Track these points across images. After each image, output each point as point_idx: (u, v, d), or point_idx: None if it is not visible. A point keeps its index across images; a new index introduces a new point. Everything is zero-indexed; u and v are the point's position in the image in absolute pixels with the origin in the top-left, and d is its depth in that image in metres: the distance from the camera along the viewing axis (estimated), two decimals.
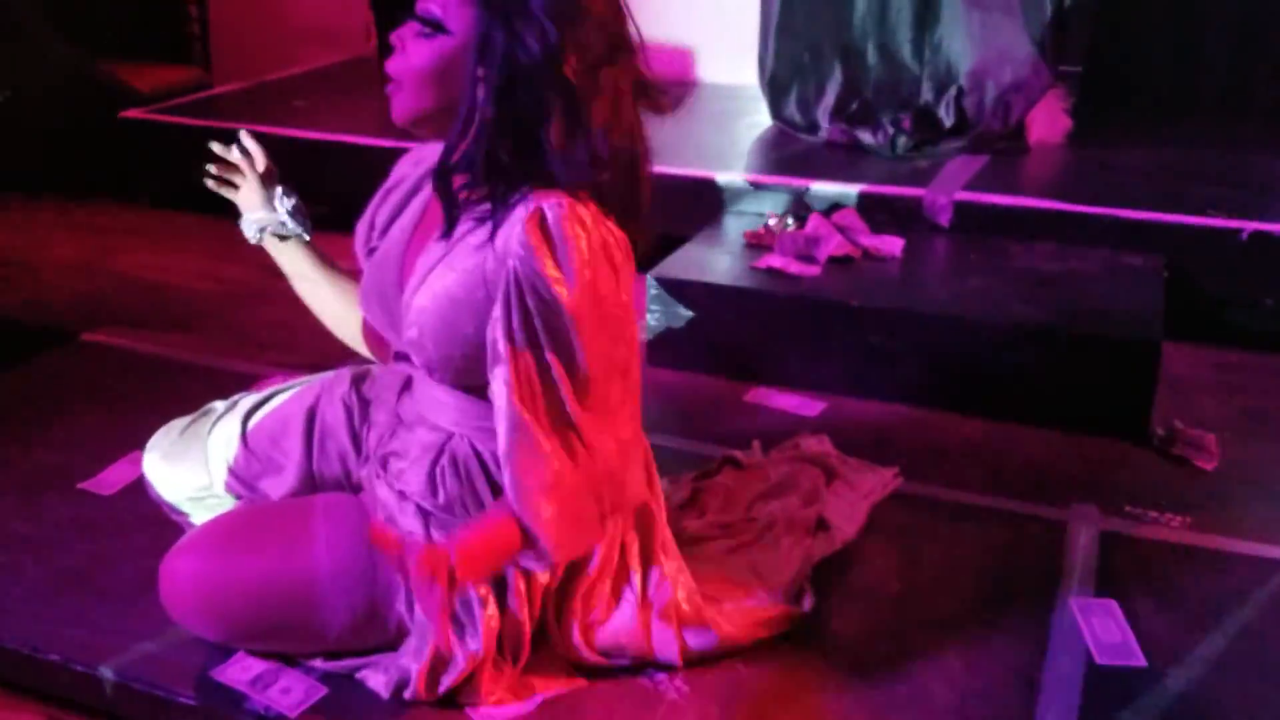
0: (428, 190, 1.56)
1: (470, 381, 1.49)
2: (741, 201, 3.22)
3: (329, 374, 1.79)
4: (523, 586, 1.55)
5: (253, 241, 1.79)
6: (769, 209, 3.07)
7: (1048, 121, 3.55)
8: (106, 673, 1.63)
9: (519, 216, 1.38)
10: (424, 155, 1.63)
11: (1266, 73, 3.74)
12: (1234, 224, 2.81)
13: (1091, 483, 2.21)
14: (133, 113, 3.96)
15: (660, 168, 3.28)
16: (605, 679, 1.63)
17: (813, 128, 3.69)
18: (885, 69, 3.71)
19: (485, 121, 1.38)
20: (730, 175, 3.28)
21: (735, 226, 3.03)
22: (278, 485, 1.69)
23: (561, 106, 1.37)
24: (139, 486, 2.08)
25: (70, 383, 2.55)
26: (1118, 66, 3.85)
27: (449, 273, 1.44)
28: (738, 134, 3.84)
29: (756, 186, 3.22)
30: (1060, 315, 2.50)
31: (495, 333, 1.39)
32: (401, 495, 1.55)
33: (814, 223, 2.86)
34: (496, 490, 1.52)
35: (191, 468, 1.74)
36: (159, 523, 1.82)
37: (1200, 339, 2.78)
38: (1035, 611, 1.80)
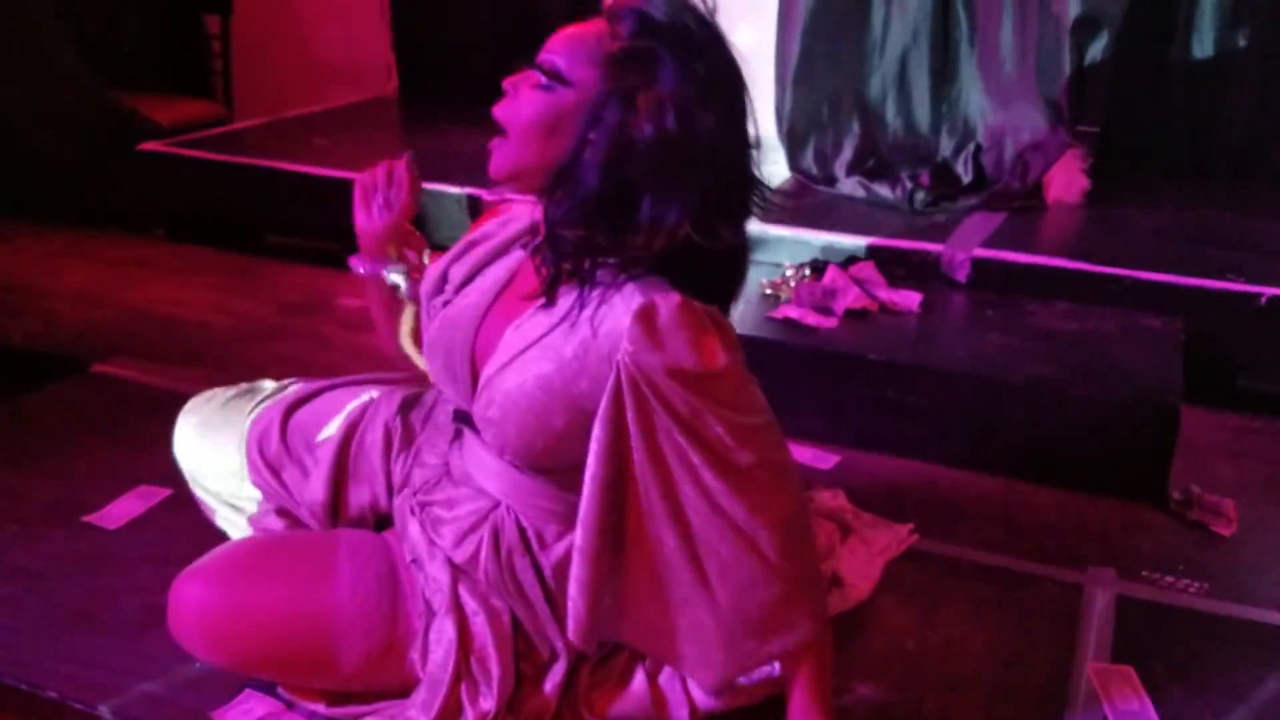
0: (517, 254, 1.52)
1: (539, 466, 1.46)
2: (758, 251, 3.21)
3: (379, 390, 1.76)
4: (564, 665, 1.52)
5: (373, 275, 1.71)
6: (786, 259, 3.05)
7: (1065, 181, 3.55)
8: (105, 712, 1.60)
9: (625, 308, 1.33)
10: (514, 215, 1.58)
11: None
12: (1253, 289, 2.79)
13: (1108, 546, 2.17)
14: (151, 145, 3.98)
15: None
16: None
17: (830, 180, 3.69)
18: (903, 124, 3.73)
19: (587, 191, 1.33)
20: (750, 225, 3.26)
21: (751, 276, 3.00)
22: (303, 487, 1.67)
23: (663, 189, 1.31)
24: (144, 521, 2.07)
25: (78, 414, 2.53)
26: (1135, 128, 3.85)
27: (546, 359, 1.38)
28: None
29: (772, 237, 3.21)
30: (1079, 376, 2.47)
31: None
32: (432, 543, 1.53)
33: (831, 275, 2.85)
34: (534, 572, 1.49)
35: (225, 445, 1.72)
36: (163, 559, 1.80)
37: (1216, 404, 2.75)
38: (1052, 675, 1.77)
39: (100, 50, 4.47)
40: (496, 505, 1.52)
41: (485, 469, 1.52)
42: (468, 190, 3.47)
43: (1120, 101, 3.84)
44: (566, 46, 1.37)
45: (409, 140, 4.41)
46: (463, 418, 1.55)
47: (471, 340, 1.50)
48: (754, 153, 1.40)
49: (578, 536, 1.39)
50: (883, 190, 3.53)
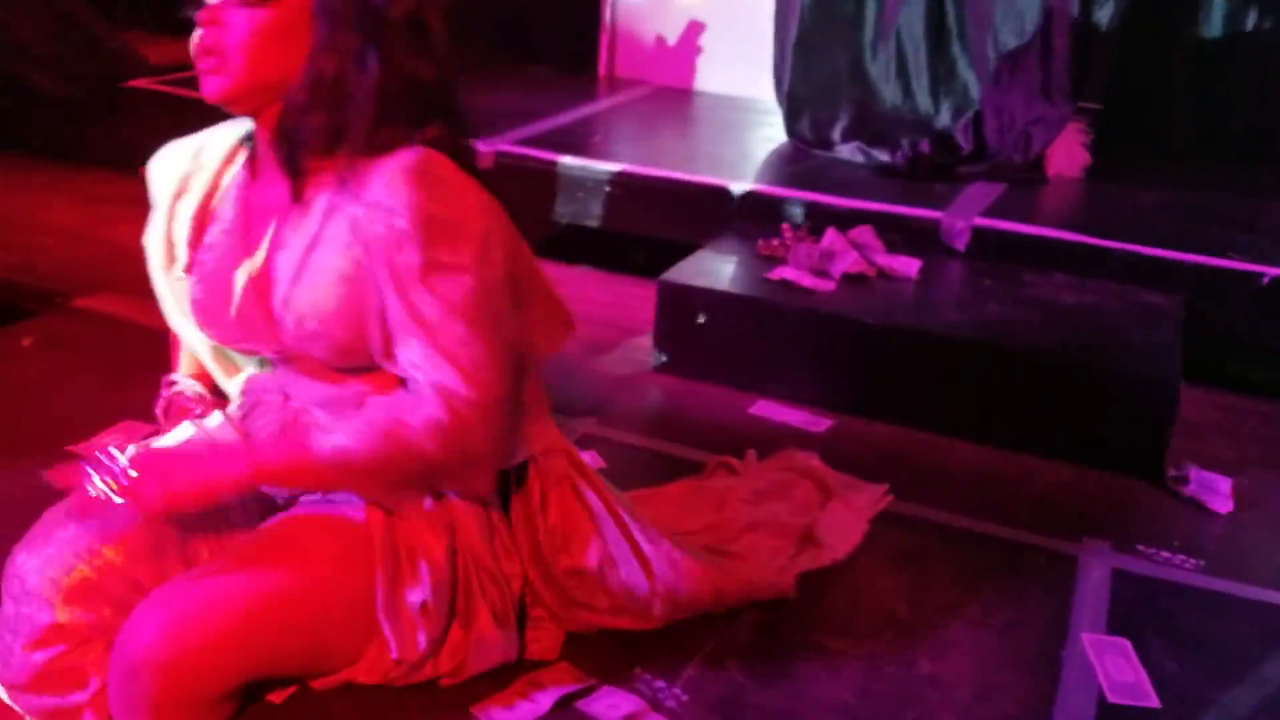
0: (240, 186, 1.49)
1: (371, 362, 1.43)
2: (754, 213, 3.17)
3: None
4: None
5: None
6: (783, 222, 3.01)
7: (1066, 155, 3.51)
8: None
9: (390, 169, 1.34)
10: (200, 150, 1.54)
11: None
12: (1255, 268, 2.77)
13: (1103, 519, 2.16)
14: (137, 82, 3.90)
15: (672, 173, 3.27)
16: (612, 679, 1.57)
17: (827, 145, 3.65)
18: (902, 91, 3.67)
19: (354, 87, 1.35)
20: (743, 185, 3.24)
21: (748, 238, 2.98)
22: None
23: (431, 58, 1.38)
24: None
25: (61, 347, 2.48)
26: (1138, 105, 3.81)
27: (330, 255, 1.37)
28: (751, 146, 3.81)
29: (770, 198, 3.18)
30: (1077, 347, 2.45)
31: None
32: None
33: (829, 238, 2.82)
34: None
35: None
36: None
37: (1214, 382, 2.74)
38: (1045, 645, 1.76)
39: None
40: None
41: (329, 399, 1.48)
42: None
43: (1124, 77, 3.80)
44: None
45: None
46: (281, 361, 1.51)
47: (251, 284, 1.45)
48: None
49: None
50: (882, 156, 3.48)
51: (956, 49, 3.53)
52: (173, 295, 1.59)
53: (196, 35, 1.37)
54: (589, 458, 2.21)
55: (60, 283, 2.86)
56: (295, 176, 1.40)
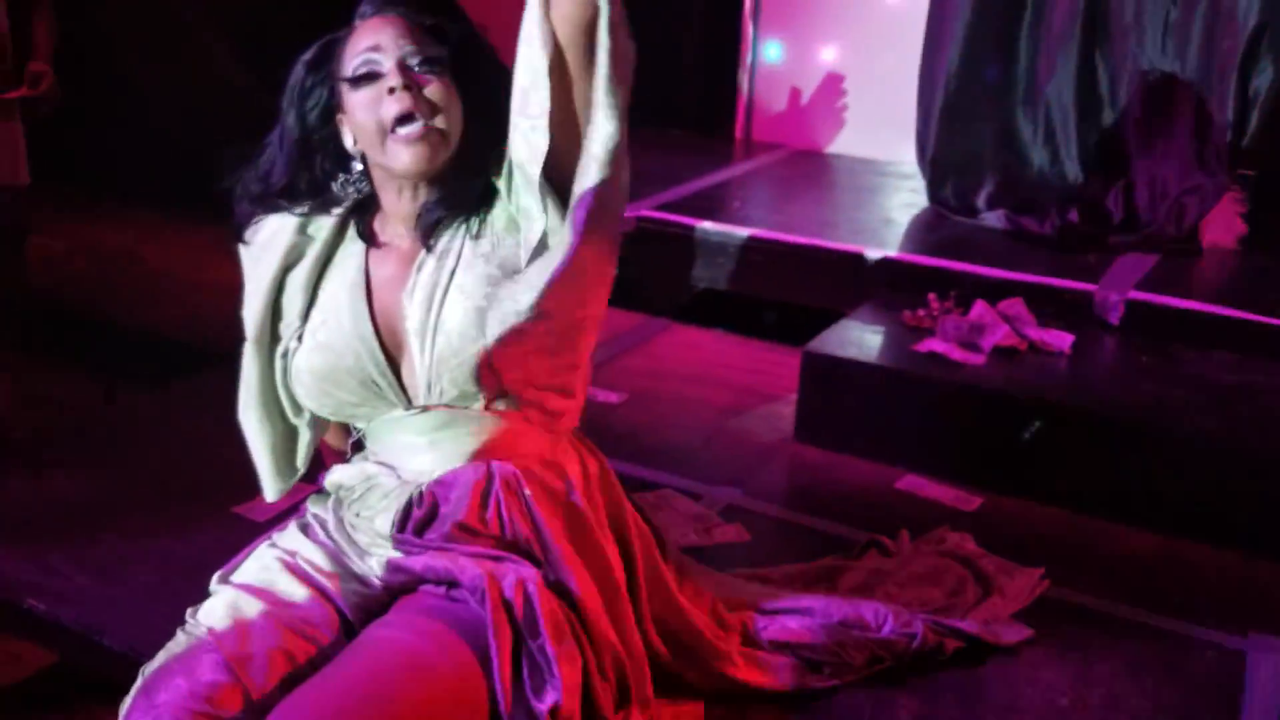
0: (351, 249, 1.54)
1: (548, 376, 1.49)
2: (896, 281, 3.15)
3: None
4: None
5: None
6: (927, 291, 2.98)
7: (1223, 225, 3.41)
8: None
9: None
10: (306, 224, 1.56)
11: None
12: None
13: (1271, 611, 2.07)
14: None
15: (813, 240, 3.25)
16: None
17: (970, 211, 3.61)
18: (1051, 158, 3.62)
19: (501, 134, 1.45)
20: (884, 252, 3.22)
21: (892, 307, 2.96)
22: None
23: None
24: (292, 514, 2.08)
25: (227, 404, 2.57)
26: None
27: (469, 271, 1.45)
28: (890, 212, 3.78)
29: (914, 266, 3.15)
30: (1242, 431, 2.36)
31: None
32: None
33: (979, 310, 2.78)
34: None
35: None
36: None
37: None
38: None
39: (250, 51, 4.59)
40: (490, 465, 1.47)
41: (482, 438, 1.49)
42: None
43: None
44: (410, 37, 1.47)
45: None
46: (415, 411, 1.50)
47: (376, 342, 1.48)
48: None
49: None
50: (1029, 224, 3.43)
51: (1108, 116, 3.46)
52: (274, 369, 1.58)
53: (403, 100, 1.43)
54: (732, 530, 2.22)
55: (222, 341, 2.97)
56: (433, 233, 1.48)
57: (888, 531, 2.19)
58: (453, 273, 1.46)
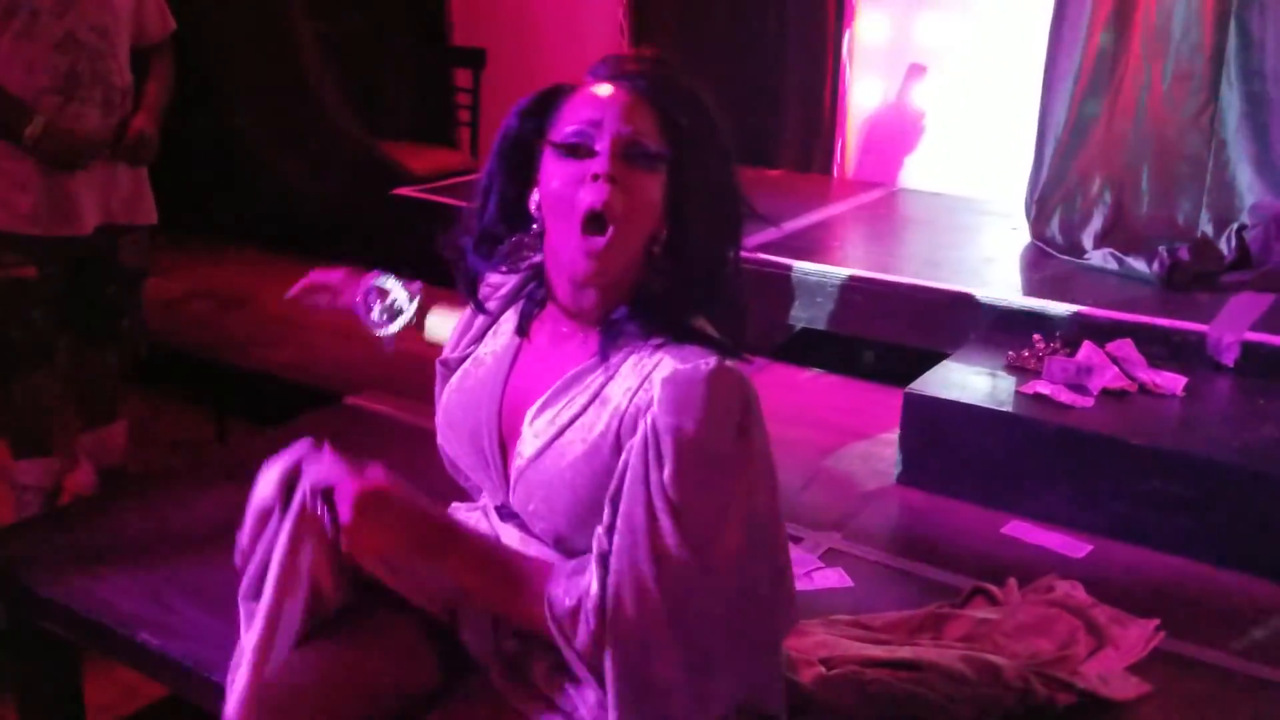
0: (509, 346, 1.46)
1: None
2: (999, 321, 3.10)
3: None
4: None
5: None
6: (1034, 332, 2.93)
7: None
8: None
9: (665, 370, 1.26)
10: (504, 282, 1.51)
11: None
12: None
13: None
14: (404, 190, 4.17)
15: (911, 280, 3.22)
16: None
17: (1076, 250, 3.54)
18: (1161, 196, 3.54)
19: (708, 253, 1.33)
20: (988, 292, 3.17)
21: (995, 347, 2.91)
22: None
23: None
24: None
25: (338, 442, 2.63)
26: None
27: (578, 441, 1.31)
28: (991, 250, 3.73)
29: (1018, 307, 3.10)
30: None
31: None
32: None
33: (1086, 351, 2.72)
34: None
35: None
36: None
37: None
38: None
39: (368, 103, 4.74)
40: None
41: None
42: None
43: None
44: (635, 121, 1.29)
45: None
46: (505, 513, 1.45)
47: (497, 421, 1.42)
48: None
49: None
50: (1137, 264, 3.35)
51: (1225, 153, 3.41)
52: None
53: (600, 192, 1.27)
54: (834, 575, 2.19)
55: (333, 381, 3.04)
56: (609, 343, 1.34)
57: (994, 578, 2.13)
58: (563, 429, 1.34)
